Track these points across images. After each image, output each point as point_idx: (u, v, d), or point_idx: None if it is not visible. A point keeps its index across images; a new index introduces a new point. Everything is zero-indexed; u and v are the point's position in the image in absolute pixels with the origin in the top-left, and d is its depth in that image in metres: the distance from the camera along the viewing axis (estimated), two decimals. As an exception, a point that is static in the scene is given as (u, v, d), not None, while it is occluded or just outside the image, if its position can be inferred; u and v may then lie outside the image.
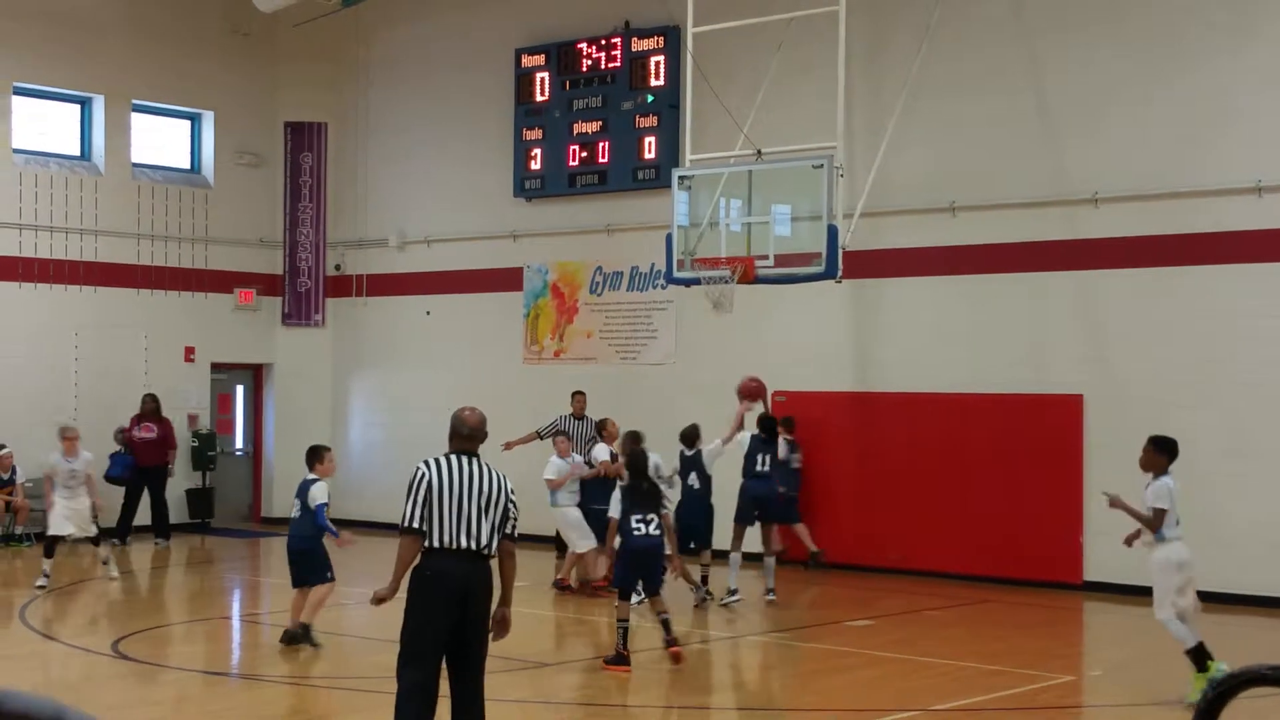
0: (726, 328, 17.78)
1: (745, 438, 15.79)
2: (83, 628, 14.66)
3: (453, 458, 7.92)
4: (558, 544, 17.34)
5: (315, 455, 12.78)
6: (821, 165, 15.12)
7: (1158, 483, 10.73)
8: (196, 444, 22.43)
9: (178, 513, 21.67)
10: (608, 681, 11.50)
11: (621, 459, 15.69)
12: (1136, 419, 15.48)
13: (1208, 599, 13.53)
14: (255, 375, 24.06)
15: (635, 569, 12.22)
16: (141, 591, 17.75)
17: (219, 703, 11.01)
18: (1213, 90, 16.07)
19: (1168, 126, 16.33)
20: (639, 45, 20.24)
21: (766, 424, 15.88)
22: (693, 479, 15.81)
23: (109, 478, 20.56)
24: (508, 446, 17.36)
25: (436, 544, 7.76)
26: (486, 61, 21.82)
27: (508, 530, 7.96)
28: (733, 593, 15.27)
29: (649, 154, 19.99)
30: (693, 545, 15.92)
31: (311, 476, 12.65)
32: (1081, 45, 16.93)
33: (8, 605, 15.25)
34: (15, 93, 21.03)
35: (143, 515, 20.80)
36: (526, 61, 21.34)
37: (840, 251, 15.15)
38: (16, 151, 21.07)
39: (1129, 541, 11.08)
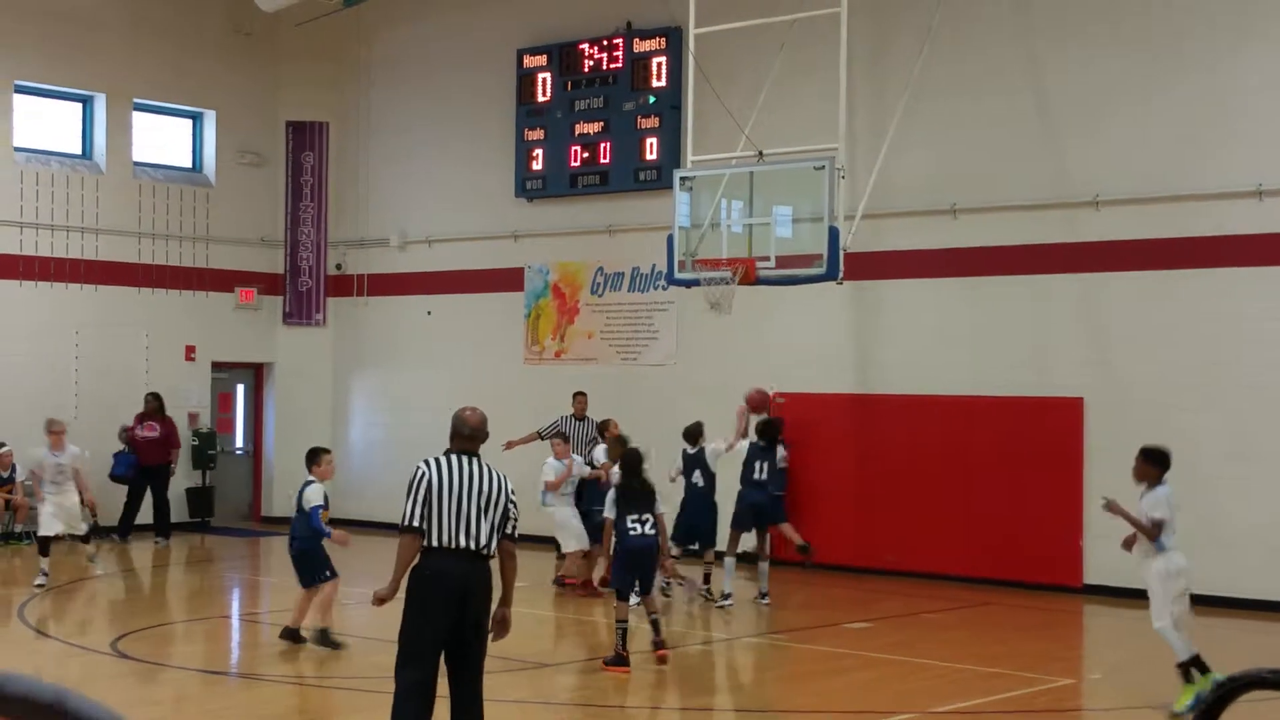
0: (727, 329, 17.77)
1: (744, 445, 15.81)
2: (81, 626, 14.67)
3: (453, 457, 7.92)
4: (557, 544, 17.33)
5: (313, 458, 12.81)
6: (823, 167, 15.12)
7: (1154, 493, 10.70)
8: (197, 443, 22.43)
9: (177, 511, 21.66)
10: (607, 682, 11.50)
11: (606, 461, 15.76)
12: (1138, 422, 15.49)
13: (1209, 603, 13.53)
14: (256, 374, 24.06)
15: (631, 569, 12.25)
16: (141, 590, 17.76)
17: (218, 702, 11.01)
18: (1214, 93, 16.07)
19: (1169, 129, 16.33)
20: (641, 46, 20.24)
21: (767, 431, 15.86)
22: (696, 477, 15.82)
23: (113, 477, 20.60)
24: (509, 446, 17.38)
25: (436, 543, 7.76)
26: (488, 62, 21.82)
27: (508, 530, 7.96)
28: (726, 596, 15.29)
29: (650, 155, 19.99)
30: (697, 545, 15.95)
31: (309, 479, 12.68)
32: (1083, 48, 16.93)
33: (6, 604, 15.25)
34: (17, 91, 21.03)
35: (144, 514, 20.81)
36: (528, 62, 21.34)
37: (841, 253, 15.15)
38: (18, 150, 21.07)
39: (1127, 544, 11.08)
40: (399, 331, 22.98)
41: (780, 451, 16.21)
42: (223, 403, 23.71)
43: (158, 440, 20.85)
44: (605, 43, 20.55)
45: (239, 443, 24.11)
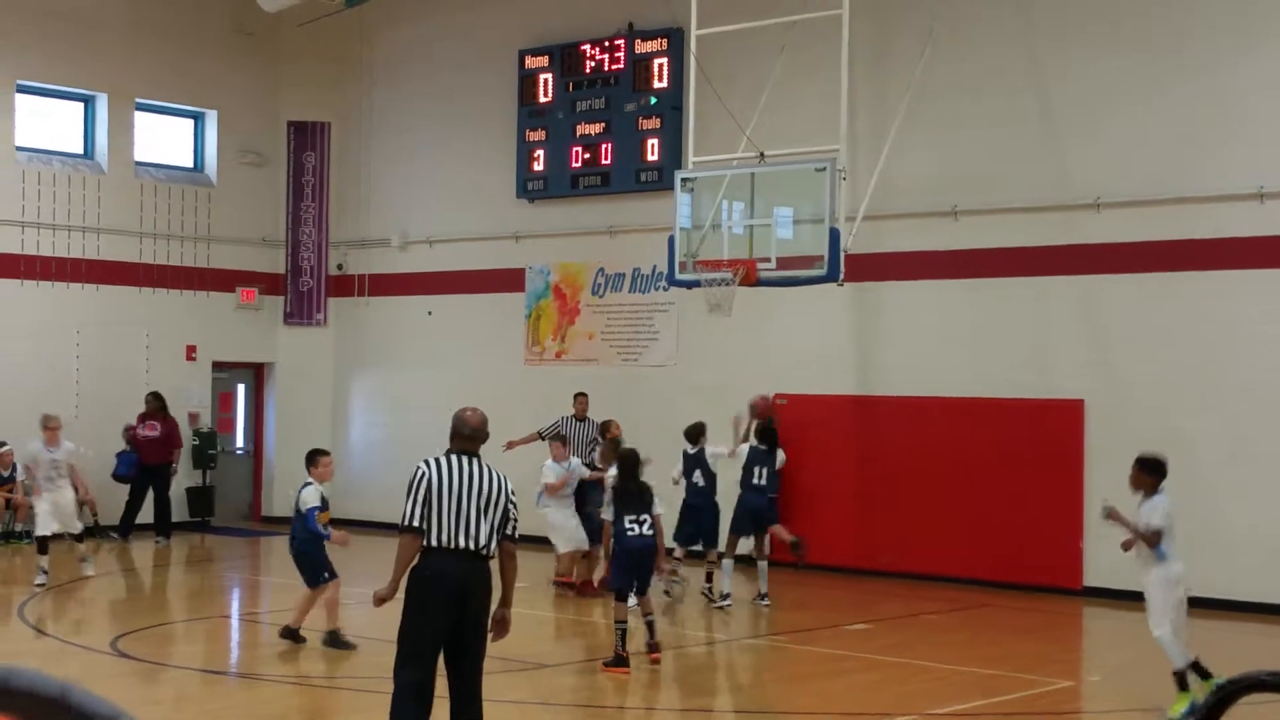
0: (728, 330, 17.78)
1: (744, 449, 15.81)
2: (81, 626, 14.67)
3: (453, 457, 7.92)
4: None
5: (311, 459, 12.83)
6: (824, 168, 15.12)
7: (1151, 502, 10.68)
8: (197, 442, 22.44)
9: (178, 511, 21.66)
10: (606, 683, 11.50)
11: (603, 464, 15.76)
12: (1138, 424, 15.51)
13: (1208, 605, 13.52)
14: (256, 374, 24.06)
15: (629, 569, 12.26)
16: (141, 590, 17.75)
17: (218, 701, 11.01)
18: (1215, 95, 16.07)
19: (1169, 131, 16.33)
20: (642, 47, 20.24)
21: (767, 435, 15.86)
22: (697, 476, 15.83)
23: (116, 476, 20.60)
24: (509, 446, 17.38)
25: (435, 544, 7.76)
26: (490, 62, 21.83)
27: (508, 531, 7.96)
28: (725, 597, 15.30)
29: (652, 156, 20.00)
30: (699, 546, 15.95)
31: (307, 480, 12.69)
32: (1084, 50, 16.92)
33: (6, 603, 15.26)
34: (18, 90, 21.04)
35: (144, 514, 20.81)
36: (530, 63, 21.34)
37: (842, 254, 15.15)
38: (19, 149, 21.08)
39: (1126, 546, 11.08)
40: (400, 332, 22.98)
41: (780, 456, 16.22)
42: (223, 402, 23.72)
43: (159, 440, 20.85)
44: (607, 44, 20.55)
45: (239, 442, 24.12)
